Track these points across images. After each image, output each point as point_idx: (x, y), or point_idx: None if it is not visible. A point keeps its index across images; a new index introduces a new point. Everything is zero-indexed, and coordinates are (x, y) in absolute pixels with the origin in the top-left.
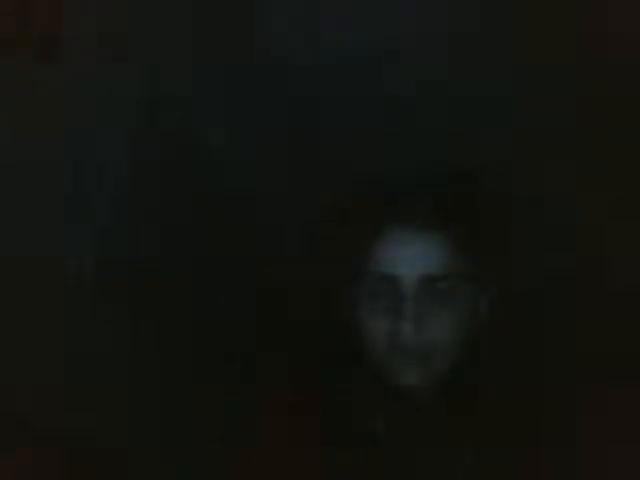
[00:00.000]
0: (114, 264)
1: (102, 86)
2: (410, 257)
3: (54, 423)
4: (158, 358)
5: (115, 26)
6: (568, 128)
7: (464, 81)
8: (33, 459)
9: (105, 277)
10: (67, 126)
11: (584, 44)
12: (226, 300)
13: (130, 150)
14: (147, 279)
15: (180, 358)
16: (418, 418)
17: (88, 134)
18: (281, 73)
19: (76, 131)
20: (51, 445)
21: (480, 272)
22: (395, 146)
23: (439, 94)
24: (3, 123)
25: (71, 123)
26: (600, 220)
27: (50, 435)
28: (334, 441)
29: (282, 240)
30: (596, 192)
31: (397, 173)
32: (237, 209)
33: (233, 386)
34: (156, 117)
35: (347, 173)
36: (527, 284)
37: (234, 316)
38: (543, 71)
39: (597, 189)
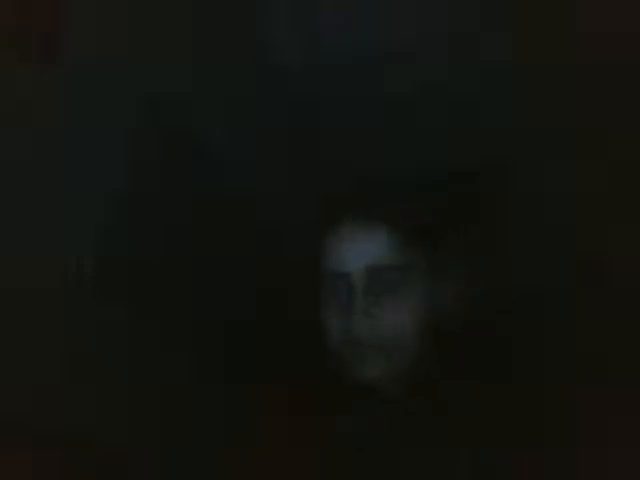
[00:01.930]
0: (114, 264)
1: (102, 86)
2: (356, 251)
3: (54, 423)
4: (158, 358)
5: (115, 26)
6: (567, 127)
7: (462, 80)
8: (33, 459)
9: (105, 277)
10: (67, 126)
11: (583, 43)
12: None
13: (130, 150)
14: (147, 279)
15: (180, 358)
16: (385, 415)
17: (88, 134)
18: (281, 73)
19: (76, 131)
20: (51, 445)
21: (441, 265)
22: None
23: (434, 93)
24: (3, 123)
25: (71, 123)
26: (600, 220)
27: (50, 435)
28: (307, 440)
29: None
30: (596, 192)
31: (347, 170)
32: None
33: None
34: (156, 117)
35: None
36: (527, 283)
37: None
38: (543, 72)
39: (597, 188)
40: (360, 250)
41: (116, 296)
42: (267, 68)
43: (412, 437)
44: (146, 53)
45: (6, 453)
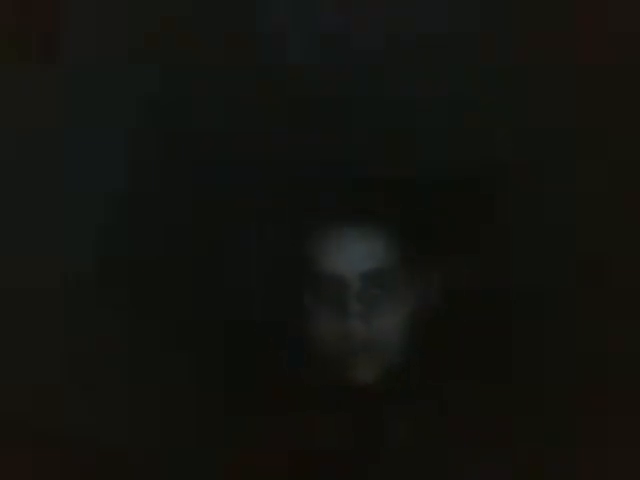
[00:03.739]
0: (114, 264)
1: (102, 86)
2: (351, 254)
3: (54, 423)
4: (158, 358)
5: (115, 26)
6: (567, 127)
7: (462, 81)
8: (33, 459)
9: (105, 277)
10: (67, 126)
11: (584, 44)
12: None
13: (130, 150)
14: (147, 279)
15: (180, 358)
16: (378, 419)
17: (88, 134)
18: (281, 73)
19: (76, 131)
20: (51, 445)
21: (425, 267)
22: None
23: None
24: (3, 123)
25: (71, 123)
26: (600, 220)
27: (50, 435)
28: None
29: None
30: (596, 192)
31: (340, 172)
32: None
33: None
34: (156, 117)
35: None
36: (527, 283)
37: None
38: (543, 72)
39: (597, 188)
40: (354, 253)
41: (116, 296)
42: (267, 68)
43: (405, 438)
44: (146, 53)
45: (6, 453)
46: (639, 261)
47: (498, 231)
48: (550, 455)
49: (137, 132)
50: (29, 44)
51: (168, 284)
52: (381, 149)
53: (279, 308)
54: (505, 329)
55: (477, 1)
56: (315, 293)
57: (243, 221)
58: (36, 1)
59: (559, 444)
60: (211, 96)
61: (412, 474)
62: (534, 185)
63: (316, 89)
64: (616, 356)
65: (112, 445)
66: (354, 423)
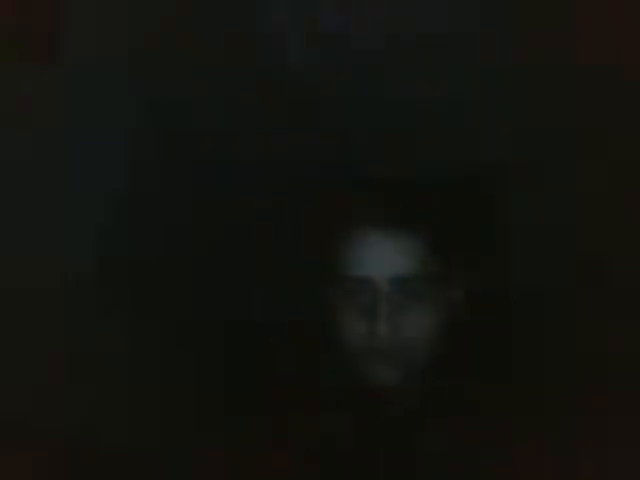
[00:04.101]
0: (114, 264)
1: (102, 86)
2: (382, 258)
3: (54, 423)
4: (158, 358)
5: (115, 26)
6: (567, 127)
7: (461, 81)
8: (33, 459)
9: (105, 277)
10: (67, 126)
11: (584, 44)
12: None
13: (130, 150)
14: (147, 279)
15: (180, 358)
16: (391, 420)
17: (88, 134)
18: (281, 73)
19: (76, 131)
20: (51, 445)
21: (451, 272)
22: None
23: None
24: (3, 123)
25: (71, 123)
26: (600, 220)
27: (50, 435)
28: (302, 443)
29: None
30: (596, 192)
31: (370, 174)
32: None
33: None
34: (156, 117)
35: (320, 173)
36: (527, 283)
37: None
38: (543, 72)
39: (597, 188)
40: (384, 256)
41: (116, 296)
42: (267, 68)
43: (405, 438)
44: (146, 53)
45: (6, 453)
46: (639, 261)
47: (498, 231)
48: (550, 455)
49: (137, 132)
50: (29, 44)
51: (168, 284)
52: (381, 149)
53: (279, 308)
54: (505, 329)
55: (477, 1)
56: (341, 294)
57: (243, 221)
58: (36, 1)
59: (559, 444)
60: (211, 96)
61: (412, 474)
62: (534, 185)
63: (316, 89)
64: (616, 356)
65: (112, 445)
66: (355, 423)
